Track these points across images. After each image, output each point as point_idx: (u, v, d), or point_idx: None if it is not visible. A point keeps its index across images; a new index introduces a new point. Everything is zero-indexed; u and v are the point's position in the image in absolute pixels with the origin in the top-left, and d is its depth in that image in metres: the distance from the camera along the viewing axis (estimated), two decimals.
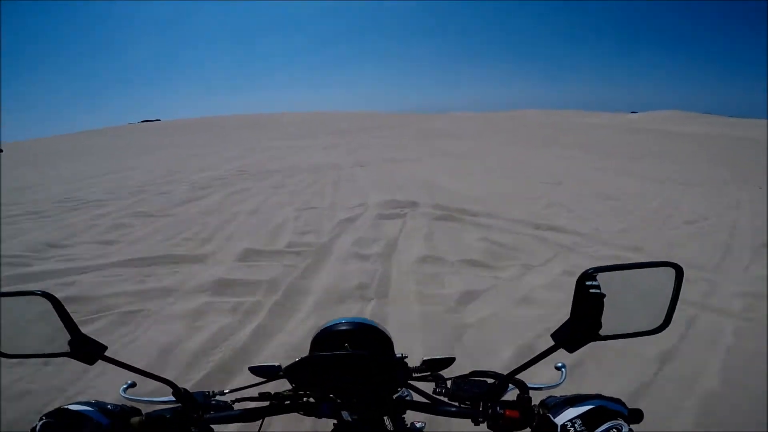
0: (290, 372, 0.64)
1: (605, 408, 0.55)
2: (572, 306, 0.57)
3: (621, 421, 0.53)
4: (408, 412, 0.70)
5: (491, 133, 21.48)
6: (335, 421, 0.68)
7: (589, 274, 0.56)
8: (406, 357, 0.71)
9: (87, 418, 0.57)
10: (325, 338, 0.70)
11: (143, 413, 0.63)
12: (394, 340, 0.72)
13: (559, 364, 0.77)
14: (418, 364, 0.73)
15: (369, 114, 42.90)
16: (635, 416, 0.58)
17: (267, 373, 0.72)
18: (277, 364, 0.72)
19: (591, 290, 0.55)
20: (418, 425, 0.79)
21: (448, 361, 0.72)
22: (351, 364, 0.62)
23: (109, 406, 0.61)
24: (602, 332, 0.56)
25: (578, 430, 0.53)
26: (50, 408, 0.59)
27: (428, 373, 0.72)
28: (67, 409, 0.58)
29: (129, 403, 0.67)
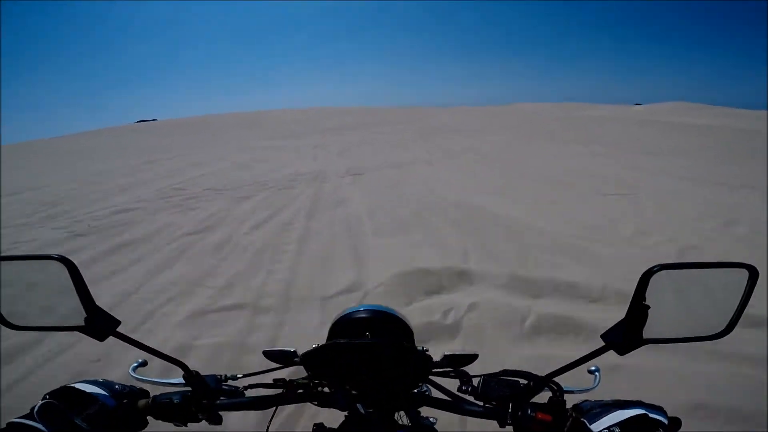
0: (307, 359, 0.57)
1: (646, 416, 0.48)
2: (630, 306, 0.49)
3: None
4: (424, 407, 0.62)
5: (500, 127, 18.31)
6: (346, 413, 0.61)
7: (655, 272, 0.48)
8: (427, 350, 0.58)
9: (93, 399, 0.52)
10: (344, 325, 0.62)
11: (151, 396, 0.59)
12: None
13: (593, 368, 0.65)
14: (438, 358, 0.61)
15: (367, 109, 38.98)
16: (674, 425, 0.49)
17: (281, 358, 0.62)
18: (292, 350, 0.62)
19: (653, 290, 0.48)
20: (431, 420, 0.68)
21: (471, 358, 0.60)
22: (371, 354, 0.55)
23: (116, 386, 0.56)
24: (658, 335, 0.49)
25: None
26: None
27: (450, 369, 0.61)
28: (73, 387, 0.53)
29: (138, 384, 0.61)
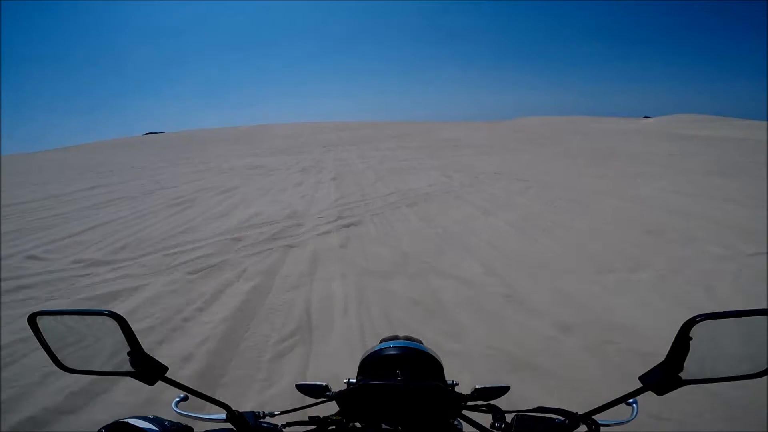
0: (340, 398, 0.58)
1: None
2: (670, 350, 0.47)
3: None
4: None
5: (517, 143, 15.57)
6: None
7: (698, 322, 0.46)
8: (457, 384, 0.60)
9: None
10: (374, 363, 0.61)
11: None
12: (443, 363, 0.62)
13: (631, 399, 0.58)
14: (468, 391, 0.60)
15: (369, 124, 36.24)
16: None
17: (314, 392, 0.63)
18: (324, 384, 0.63)
19: (691, 337, 0.46)
20: None
21: (502, 390, 0.59)
22: (403, 394, 0.55)
23: (165, 423, 0.56)
24: (696, 375, 0.47)
25: None
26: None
27: (482, 403, 0.60)
28: (127, 422, 0.53)
29: (182, 420, 0.61)
